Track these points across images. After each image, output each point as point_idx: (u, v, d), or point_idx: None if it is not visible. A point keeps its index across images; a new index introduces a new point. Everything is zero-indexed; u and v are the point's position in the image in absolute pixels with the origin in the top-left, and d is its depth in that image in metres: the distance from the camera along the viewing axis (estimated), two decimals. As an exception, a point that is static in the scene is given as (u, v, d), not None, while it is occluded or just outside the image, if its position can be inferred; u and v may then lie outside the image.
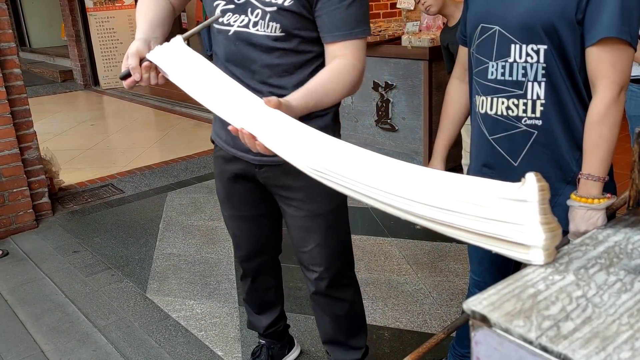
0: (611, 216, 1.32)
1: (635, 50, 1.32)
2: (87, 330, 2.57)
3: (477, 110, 1.51)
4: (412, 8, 4.21)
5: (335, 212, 1.76)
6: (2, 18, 3.47)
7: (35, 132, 3.82)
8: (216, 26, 1.59)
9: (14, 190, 3.59)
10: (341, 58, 1.46)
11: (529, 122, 1.41)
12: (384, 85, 4.01)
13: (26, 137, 3.67)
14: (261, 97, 1.23)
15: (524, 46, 1.37)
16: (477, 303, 0.79)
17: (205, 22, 1.46)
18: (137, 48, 1.34)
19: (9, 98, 3.51)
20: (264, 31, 1.52)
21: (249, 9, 1.51)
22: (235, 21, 1.54)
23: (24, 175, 3.63)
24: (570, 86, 1.37)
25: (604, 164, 1.32)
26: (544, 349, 0.70)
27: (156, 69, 1.35)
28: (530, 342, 0.72)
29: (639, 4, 1.28)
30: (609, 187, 1.37)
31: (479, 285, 1.78)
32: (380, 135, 4.18)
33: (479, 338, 0.78)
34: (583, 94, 1.37)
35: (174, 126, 6.22)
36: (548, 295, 0.80)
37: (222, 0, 1.54)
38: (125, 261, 3.17)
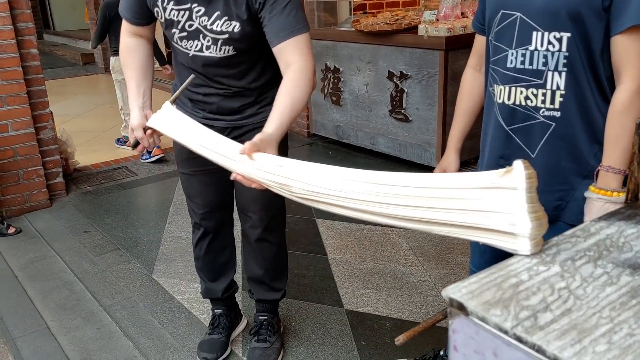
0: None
1: None
2: (93, 309, 2.60)
3: (494, 99, 1.47)
4: (430, -3, 4.16)
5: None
6: (21, -2, 3.51)
7: (52, 113, 3.86)
8: (176, 45, 1.80)
9: (29, 169, 3.64)
10: (292, 65, 1.60)
11: (547, 113, 1.36)
12: (398, 75, 3.98)
13: (42, 117, 3.71)
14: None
15: (546, 33, 1.32)
16: (456, 291, 0.77)
17: (184, 85, 1.70)
18: (138, 122, 1.71)
19: (25, 78, 3.55)
20: (217, 53, 1.74)
21: (200, 35, 1.72)
22: (191, 47, 1.76)
23: (39, 155, 3.68)
24: (591, 77, 1.32)
25: (625, 156, 1.26)
26: (519, 339, 0.69)
27: (156, 132, 1.68)
28: (506, 332, 0.70)
29: None
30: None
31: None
32: (394, 125, 4.14)
33: (456, 326, 0.77)
34: (604, 87, 1.33)
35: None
36: (530, 285, 0.78)
37: (176, 29, 1.74)
38: (134, 242, 3.20)
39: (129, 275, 2.84)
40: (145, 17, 1.79)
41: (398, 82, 4.00)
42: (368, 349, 2.23)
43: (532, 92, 1.36)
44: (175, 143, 2.01)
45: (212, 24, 1.68)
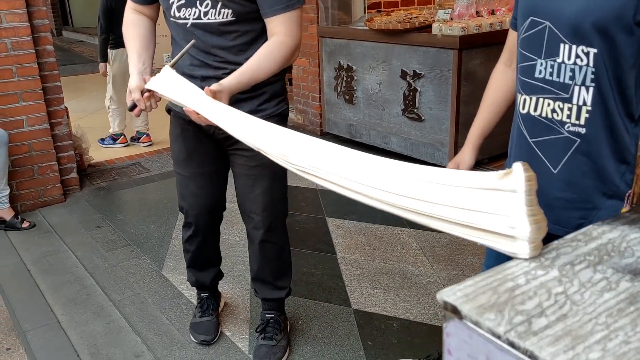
0: None
1: None
2: (103, 304, 2.62)
3: (518, 109, 1.42)
4: (445, -4, 4.13)
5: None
6: (37, -5, 3.55)
7: (67, 109, 3.90)
8: (173, 20, 1.84)
9: (43, 164, 3.69)
10: (275, 36, 1.73)
11: (572, 128, 1.31)
12: (412, 74, 3.95)
13: (57, 113, 3.76)
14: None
15: (573, 47, 1.26)
16: (451, 294, 0.77)
17: (184, 49, 1.73)
18: (136, 84, 1.72)
19: (41, 74, 3.59)
20: (216, 18, 1.77)
21: (197, 1, 1.76)
22: (189, 15, 1.79)
23: (54, 150, 3.72)
24: (617, 95, 1.27)
25: None
26: (511, 344, 0.68)
27: (153, 95, 1.70)
28: (499, 337, 0.69)
29: None
30: None
31: None
32: (407, 124, 4.12)
33: (450, 330, 0.76)
34: (631, 105, 1.28)
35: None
36: (526, 289, 0.77)
37: None
38: (145, 238, 3.23)
39: (139, 270, 2.87)
40: None
41: (411, 81, 3.98)
42: (374, 349, 2.22)
43: (559, 106, 1.32)
44: (173, 144, 2.10)
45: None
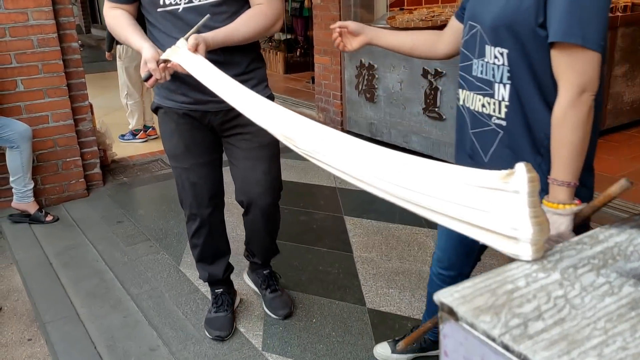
0: (583, 225, 1.27)
1: (602, 52, 1.26)
2: (121, 297, 2.66)
3: (460, 103, 1.56)
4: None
5: (275, 143, 2.10)
6: (63, -7, 3.61)
7: (91, 105, 3.97)
8: (162, 10, 1.90)
9: (68, 159, 3.75)
10: (257, 6, 1.88)
11: (496, 121, 1.44)
12: (433, 73, 3.92)
13: (81, 109, 3.82)
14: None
15: (492, 48, 1.40)
16: (447, 295, 0.76)
17: (199, 24, 1.78)
18: (151, 54, 1.75)
19: (66, 71, 3.65)
20: (207, 0, 1.86)
21: None
22: (180, 1, 1.87)
23: (78, 146, 3.79)
24: (536, 90, 1.36)
25: (568, 168, 1.28)
26: (506, 347, 0.67)
27: (168, 67, 1.75)
28: (493, 339, 0.68)
29: (597, 5, 1.24)
30: (584, 193, 1.34)
31: (440, 259, 1.85)
32: (427, 123, 4.09)
33: (447, 331, 0.75)
34: (550, 99, 1.34)
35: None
36: (526, 292, 0.76)
37: None
38: (164, 234, 3.26)
39: (157, 265, 2.90)
40: None
41: (432, 80, 3.95)
42: (388, 349, 2.21)
43: (487, 101, 1.45)
44: (168, 139, 2.15)
45: None
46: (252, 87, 1.87)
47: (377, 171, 1.07)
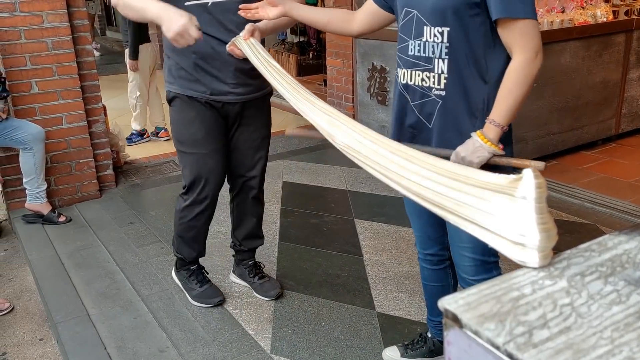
0: (490, 167, 1.49)
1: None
2: (131, 299, 2.68)
3: (399, 80, 1.74)
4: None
5: (270, 134, 2.49)
6: (78, -4, 3.65)
7: (105, 107, 4.00)
8: (190, 3, 2.06)
9: (81, 160, 3.79)
10: None
11: (436, 92, 1.64)
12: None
13: (94, 111, 3.85)
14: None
15: (432, 28, 1.60)
16: (452, 302, 0.75)
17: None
18: (188, 18, 1.91)
19: (80, 73, 3.69)
20: None
21: None
22: None
23: (90, 147, 3.82)
24: (472, 63, 1.58)
25: (506, 114, 1.52)
26: (510, 355, 0.66)
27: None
28: (497, 348, 0.67)
29: None
30: (506, 143, 1.57)
31: (421, 240, 1.99)
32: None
33: (451, 338, 0.75)
34: (483, 69, 1.59)
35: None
36: (532, 300, 0.75)
37: None
38: (175, 235, 3.27)
39: (167, 267, 2.91)
40: None
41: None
42: (396, 353, 2.20)
43: (427, 75, 1.65)
44: (188, 127, 2.28)
45: None
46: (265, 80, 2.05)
47: (399, 168, 1.16)
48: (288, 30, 8.94)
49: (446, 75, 1.61)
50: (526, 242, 0.83)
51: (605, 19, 4.22)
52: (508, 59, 1.57)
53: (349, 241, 3.13)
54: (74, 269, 2.99)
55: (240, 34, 1.99)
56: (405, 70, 1.70)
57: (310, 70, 8.05)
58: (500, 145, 1.54)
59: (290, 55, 8.23)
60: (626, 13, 4.36)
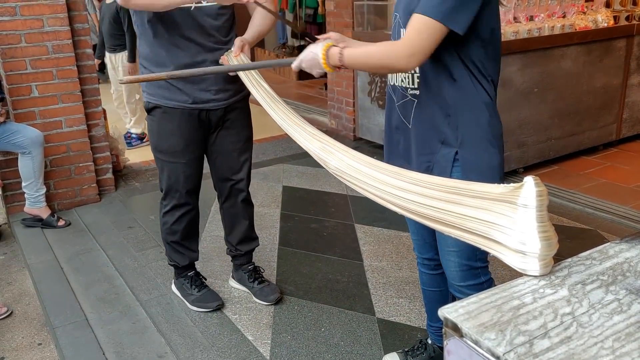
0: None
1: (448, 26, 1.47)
2: (130, 303, 2.66)
3: (388, 82, 1.80)
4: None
5: (252, 135, 2.54)
6: (78, 0, 3.64)
7: (104, 110, 4.00)
8: (176, 12, 2.14)
9: (80, 164, 3.78)
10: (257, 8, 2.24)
11: (412, 92, 1.67)
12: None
13: (94, 115, 3.85)
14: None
15: (403, 30, 1.61)
16: (452, 311, 0.75)
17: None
18: None
19: (80, 77, 3.69)
20: (212, 2, 2.18)
21: None
22: (192, 1, 2.15)
23: (90, 151, 3.81)
24: (438, 61, 1.57)
25: (353, 60, 1.57)
26: (510, 366, 0.65)
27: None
28: (498, 358, 0.67)
29: None
30: (495, 146, 1.63)
31: (419, 244, 1.98)
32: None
33: (451, 347, 0.74)
34: (451, 68, 1.57)
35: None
36: (532, 309, 0.74)
37: None
38: (174, 240, 3.26)
39: (166, 272, 2.90)
40: None
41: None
42: None
43: (405, 75, 1.68)
44: (168, 137, 2.33)
45: None
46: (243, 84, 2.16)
47: (397, 190, 1.17)
48: (289, 34, 8.96)
49: (418, 75, 1.63)
50: (527, 250, 0.82)
51: (606, 24, 4.21)
52: (475, 57, 1.56)
53: (349, 246, 3.12)
54: (72, 273, 2.97)
55: (232, 50, 2.15)
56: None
57: (310, 74, 8.05)
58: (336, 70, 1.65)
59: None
60: (627, 18, 4.35)
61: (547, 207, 0.83)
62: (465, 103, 1.60)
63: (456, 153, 1.63)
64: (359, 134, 4.97)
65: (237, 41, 2.16)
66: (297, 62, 1.67)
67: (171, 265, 2.63)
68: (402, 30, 1.62)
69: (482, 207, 0.89)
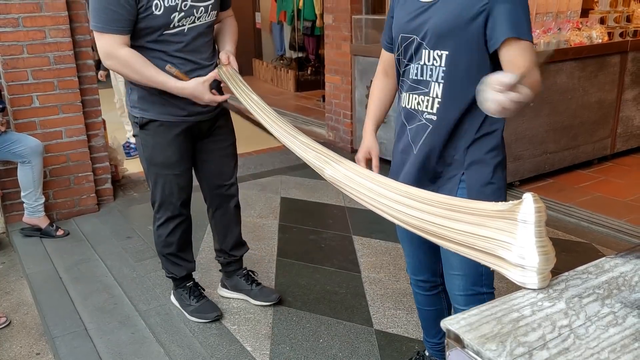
0: None
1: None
2: (129, 313, 2.68)
3: (400, 104, 1.75)
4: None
5: (235, 139, 2.59)
6: (80, 12, 3.68)
7: (104, 121, 4.02)
8: (168, 33, 2.17)
9: (80, 174, 3.80)
10: (230, 18, 2.45)
11: (427, 116, 1.63)
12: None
13: (94, 125, 3.87)
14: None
15: (431, 51, 1.59)
16: (454, 322, 0.77)
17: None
18: (203, 88, 2.22)
19: (80, 87, 3.71)
20: (206, 20, 2.24)
21: (194, 10, 2.18)
22: (186, 22, 2.19)
23: (90, 161, 3.83)
24: (468, 87, 1.52)
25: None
26: (510, 376, 0.68)
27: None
28: (498, 368, 0.69)
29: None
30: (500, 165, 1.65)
31: (413, 266, 1.95)
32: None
33: (453, 358, 0.77)
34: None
35: (235, 124, 6.36)
36: (531, 321, 0.77)
37: (176, 11, 2.14)
38: (173, 250, 3.28)
39: (165, 282, 2.91)
40: (132, 25, 2.12)
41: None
42: (394, 371, 2.21)
43: (421, 99, 1.64)
44: (163, 150, 2.36)
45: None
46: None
47: (396, 204, 1.19)
48: (287, 46, 9.02)
49: (440, 100, 1.59)
50: (526, 264, 0.85)
51: (600, 40, 4.28)
52: None
53: (347, 258, 3.15)
54: (71, 283, 2.98)
55: (221, 62, 2.29)
56: (405, 94, 1.70)
57: (308, 86, 8.11)
58: None
59: (289, 70, 8.30)
60: (621, 35, 4.42)
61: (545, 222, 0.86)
62: (483, 129, 1.59)
63: (462, 174, 1.63)
64: (356, 146, 5.01)
65: (222, 54, 2.30)
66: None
67: (169, 277, 2.64)
68: (424, 51, 1.59)
69: (482, 224, 0.92)
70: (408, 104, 1.69)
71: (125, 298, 2.81)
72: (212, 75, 2.22)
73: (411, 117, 1.69)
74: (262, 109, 1.95)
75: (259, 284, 2.70)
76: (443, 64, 1.57)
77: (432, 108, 1.61)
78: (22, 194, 3.45)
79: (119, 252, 3.29)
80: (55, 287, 2.95)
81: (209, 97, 2.19)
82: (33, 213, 3.49)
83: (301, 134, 1.71)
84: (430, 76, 1.61)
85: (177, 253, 2.56)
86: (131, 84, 2.31)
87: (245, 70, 9.15)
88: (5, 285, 3.15)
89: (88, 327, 2.58)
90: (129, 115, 2.43)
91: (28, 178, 3.39)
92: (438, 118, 1.61)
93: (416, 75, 1.64)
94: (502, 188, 1.64)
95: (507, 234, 0.88)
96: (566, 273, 0.89)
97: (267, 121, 1.90)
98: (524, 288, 0.86)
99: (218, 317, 2.56)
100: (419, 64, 1.63)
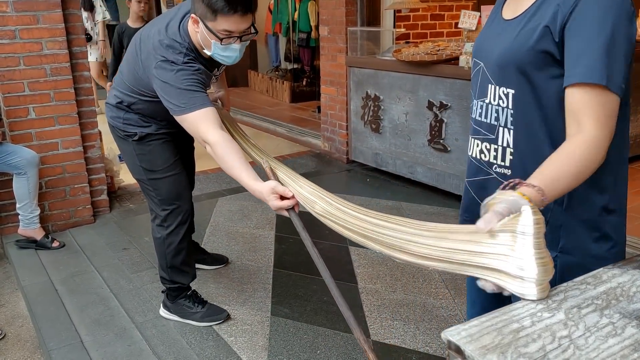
0: None
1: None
2: (125, 326, 2.66)
3: (469, 150, 1.40)
4: (473, 29, 4.16)
5: None
6: (77, 24, 3.69)
7: (101, 132, 4.02)
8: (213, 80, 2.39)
9: (75, 185, 3.79)
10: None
11: (499, 170, 1.28)
12: (438, 105, 3.97)
13: (90, 137, 3.87)
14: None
15: (497, 88, 1.24)
16: (455, 333, 0.78)
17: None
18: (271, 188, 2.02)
19: (77, 99, 3.72)
20: (219, 71, 2.41)
21: (215, 78, 2.37)
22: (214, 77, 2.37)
23: (86, 173, 3.83)
24: (546, 136, 1.19)
25: (557, 192, 1.04)
26: (512, 387, 0.68)
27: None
28: (499, 379, 0.70)
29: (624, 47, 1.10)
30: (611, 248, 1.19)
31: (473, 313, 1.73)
32: (432, 155, 4.13)
33: (454, 369, 0.77)
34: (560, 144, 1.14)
35: (233, 134, 6.37)
36: (531, 332, 0.78)
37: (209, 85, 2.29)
38: (169, 262, 3.27)
39: (162, 294, 2.90)
40: None
41: (438, 112, 4.00)
42: (392, 382, 2.21)
43: (486, 147, 1.30)
44: (162, 154, 2.45)
45: (218, 71, 2.38)
46: None
47: (388, 234, 1.25)
48: (282, 57, 9.06)
49: (512, 150, 1.24)
50: (525, 275, 0.86)
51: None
52: None
53: (344, 268, 3.15)
54: (67, 295, 2.97)
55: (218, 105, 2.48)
56: (470, 137, 1.36)
57: (303, 97, 8.14)
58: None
59: (284, 82, 8.33)
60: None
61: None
62: (575, 192, 1.17)
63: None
64: (351, 157, 5.03)
65: (216, 96, 2.56)
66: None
67: (172, 288, 2.62)
68: (490, 86, 1.26)
69: (477, 240, 0.93)
70: (471, 151, 1.36)
71: (122, 310, 2.80)
72: (284, 199, 1.86)
73: (473, 168, 1.36)
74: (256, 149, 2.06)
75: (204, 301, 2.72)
76: (510, 106, 1.24)
77: (503, 160, 1.27)
78: (18, 205, 3.44)
79: (115, 264, 3.28)
80: (51, 299, 2.94)
81: (274, 205, 1.84)
82: (28, 225, 3.48)
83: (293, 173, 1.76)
84: (497, 119, 1.27)
85: (186, 259, 2.59)
86: (127, 106, 2.38)
87: (240, 81, 9.19)
88: (0, 298, 3.13)
89: (84, 340, 2.57)
90: (114, 129, 2.47)
91: (24, 190, 3.39)
92: (514, 174, 1.24)
93: (480, 115, 1.32)
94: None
95: (506, 246, 0.89)
96: (564, 284, 0.90)
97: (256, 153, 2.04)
98: (524, 299, 0.86)
99: (227, 317, 2.64)
100: (483, 101, 1.30)
